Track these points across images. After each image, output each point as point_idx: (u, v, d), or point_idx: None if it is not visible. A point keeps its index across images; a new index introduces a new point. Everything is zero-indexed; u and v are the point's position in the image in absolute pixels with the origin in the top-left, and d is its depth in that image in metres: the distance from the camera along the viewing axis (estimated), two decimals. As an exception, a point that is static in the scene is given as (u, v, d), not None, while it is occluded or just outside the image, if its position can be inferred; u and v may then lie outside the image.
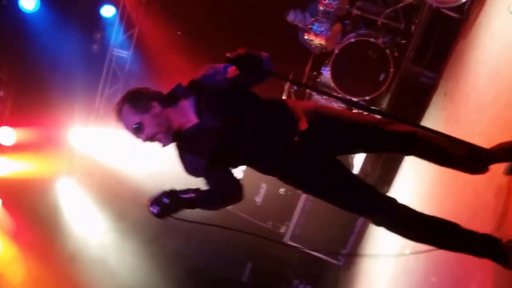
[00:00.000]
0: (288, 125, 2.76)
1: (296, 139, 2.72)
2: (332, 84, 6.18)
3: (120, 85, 8.58)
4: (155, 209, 2.65)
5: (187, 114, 2.80)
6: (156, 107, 2.74)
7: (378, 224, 2.85)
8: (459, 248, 2.72)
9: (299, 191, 2.75)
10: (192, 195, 2.72)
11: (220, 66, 2.75)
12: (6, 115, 7.49)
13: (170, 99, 2.80)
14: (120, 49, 8.37)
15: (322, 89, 6.31)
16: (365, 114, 3.20)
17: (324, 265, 7.72)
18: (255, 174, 7.28)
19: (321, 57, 6.80)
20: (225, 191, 2.91)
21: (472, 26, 5.24)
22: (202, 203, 2.81)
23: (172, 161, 8.30)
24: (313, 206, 6.97)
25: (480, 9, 5.15)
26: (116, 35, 8.24)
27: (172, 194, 2.67)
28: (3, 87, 7.37)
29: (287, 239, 7.12)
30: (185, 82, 2.89)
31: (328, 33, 6.47)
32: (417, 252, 3.36)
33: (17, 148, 7.61)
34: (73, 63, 7.84)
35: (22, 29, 7.22)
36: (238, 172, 7.35)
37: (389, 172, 5.99)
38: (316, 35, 6.54)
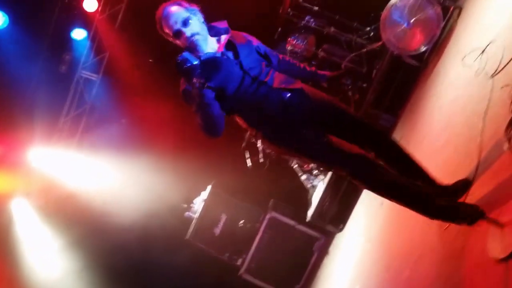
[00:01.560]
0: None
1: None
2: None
3: (86, 108, 8.56)
4: (180, 57, 2.82)
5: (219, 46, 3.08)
6: (202, 17, 3.06)
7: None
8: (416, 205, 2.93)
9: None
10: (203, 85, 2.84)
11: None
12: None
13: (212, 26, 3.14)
14: (89, 71, 8.36)
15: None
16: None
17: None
18: (216, 205, 7.40)
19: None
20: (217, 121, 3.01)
21: (430, 75, 5.51)
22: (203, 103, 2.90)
23: (131, 183, 8.32)
24: (270, 240, 7.07)
25: (438, 60, 5.44)
26: (86, 57, 8.26)
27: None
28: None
29: (242, 272, 7.17)
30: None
31: (294, 72, 6.67)
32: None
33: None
34: (39, 82, 7.82)
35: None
36: (199, 202, 7.42)
37: (345, 210, 6.19)
38: (283, 72, 6.73)
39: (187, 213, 7.43)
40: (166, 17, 2.99)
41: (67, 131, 8.66)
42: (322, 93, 3.23)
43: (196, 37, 2.98)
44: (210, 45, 3.06)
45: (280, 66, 3.41)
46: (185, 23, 2.97)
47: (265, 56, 3.28)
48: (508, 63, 3.41)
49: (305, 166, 6.66)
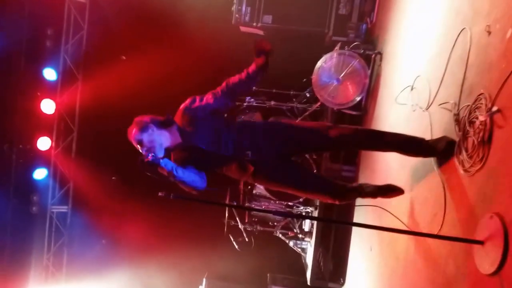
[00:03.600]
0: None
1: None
2: (266, 193, 6.65)
3: (65, 239, 8.72)
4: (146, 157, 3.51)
5: (175, 136, 3.74)
6: (153, 129, 3.68)
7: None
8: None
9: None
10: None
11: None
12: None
13: (164, 124, 3.74)
14: (59, 205, 8.60)
15: (258, 200, 6.72)
16: None
17: None
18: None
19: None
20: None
21: (372, 119, 5.93)
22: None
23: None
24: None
25: (375, 104, 5.88)
26: (53, 193, 8.50)
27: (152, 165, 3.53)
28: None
29: None
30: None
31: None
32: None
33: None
34: (15, 230, 7.91)
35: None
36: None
37: (340, 264, 6.36)
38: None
39: (191, 312, 7.44)
40: (130, 139, 3.74)
41: (52, 267, 8.74)
42: None
43: (153, 149, 3.64)
44: (166, 141, 3.73)
45: None
46: (140, 143, 3.67)
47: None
48: (436, 93, 3.79)
49: (290, 232, 6.90)
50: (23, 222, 8.06)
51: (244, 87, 3.95)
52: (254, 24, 7.28)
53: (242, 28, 7.48)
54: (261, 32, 7.42)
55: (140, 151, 3.68)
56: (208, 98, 3.82)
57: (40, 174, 8.19)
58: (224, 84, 3.89)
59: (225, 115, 4.07)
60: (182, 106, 3.84)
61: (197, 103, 3.81)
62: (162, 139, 3.69)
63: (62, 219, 8.68)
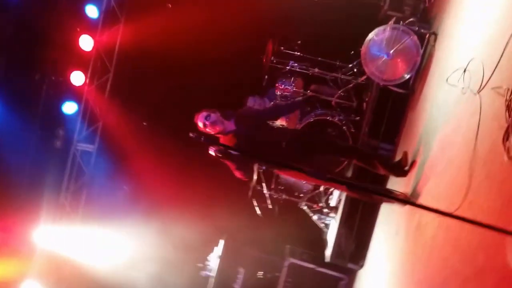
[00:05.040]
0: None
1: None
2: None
3: (86, 179, 8.61)
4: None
5: (232, 124, 5.01)
6: (218, 114, 4.95)
7: None
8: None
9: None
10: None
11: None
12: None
13: (226, 115, 4.99)
14: (84, 143, 8.47)
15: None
16: None
17: None
18: (232, 260, 7.28)
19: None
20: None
21: (419, 100, 5.69)
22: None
23: (141, 249, 8.22)
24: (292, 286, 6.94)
25: (424, 85, 5.62)
26: (80, 130, 8.39)
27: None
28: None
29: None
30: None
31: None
32: None
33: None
34: (36, 161, 7.86)
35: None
36: (214, 259, 7.34)
37: (362, 246, 6.18)
38: (277, 117, 6.89)
39: (203, 272, 7.34)
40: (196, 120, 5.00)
41: (69, 206, 8.65)
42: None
43: (215, 123, 4.89)
44: (226, 124, 4.96)
45: None
46: (207, 117, 4.90)
47: None
48: (490, 77, 3.58)
49: (315, 205, 6.71)
50: (45, 155, 7.99)
51: (286, 110, 5.71)
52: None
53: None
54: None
55: (205, 126, 4.85)
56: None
57: (69, 108, 8.10)
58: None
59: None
60: (240, 110, 5.21)
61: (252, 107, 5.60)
62: (224, 121, 4.93)
63: (86, 158, 8.57)
